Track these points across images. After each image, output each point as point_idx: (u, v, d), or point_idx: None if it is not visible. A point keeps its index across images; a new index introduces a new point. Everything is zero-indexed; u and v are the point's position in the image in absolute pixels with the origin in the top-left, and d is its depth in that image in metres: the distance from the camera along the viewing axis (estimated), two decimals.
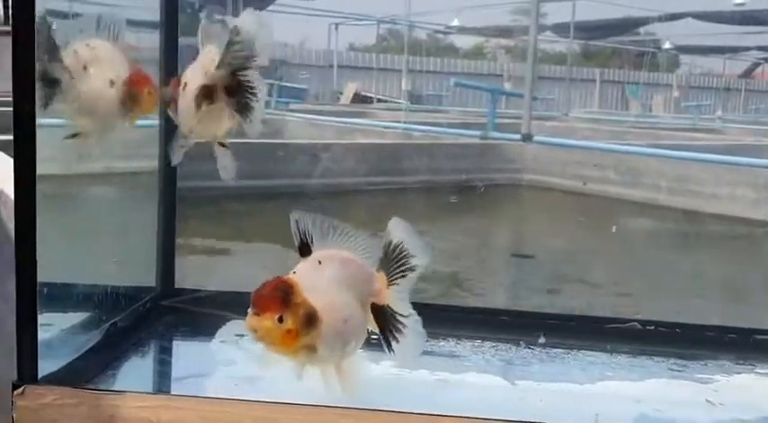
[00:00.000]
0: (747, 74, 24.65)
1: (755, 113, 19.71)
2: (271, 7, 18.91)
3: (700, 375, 1.01)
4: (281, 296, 0.70)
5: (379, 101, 17.89)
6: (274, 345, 0.71)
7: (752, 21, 14.54)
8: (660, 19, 16.43)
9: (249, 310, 0.70)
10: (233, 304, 1.19)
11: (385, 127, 7.67)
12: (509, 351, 1.08)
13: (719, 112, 15.72)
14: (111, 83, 0.87)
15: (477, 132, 6.62)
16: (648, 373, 1.01)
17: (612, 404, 0.92)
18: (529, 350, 1.09)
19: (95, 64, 0.88)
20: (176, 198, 1.16)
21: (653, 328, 1.12)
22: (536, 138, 5.79)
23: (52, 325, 0.94)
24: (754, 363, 1.05)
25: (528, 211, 5.62)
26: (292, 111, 11.14)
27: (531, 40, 6.20)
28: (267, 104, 8.73)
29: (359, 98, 18.52)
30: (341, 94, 18.98)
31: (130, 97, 0.89)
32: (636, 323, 1.13)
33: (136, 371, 0.96)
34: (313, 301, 0.71)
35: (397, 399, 0.92)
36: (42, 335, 0.80)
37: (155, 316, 1.12)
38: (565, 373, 1.01)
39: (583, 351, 1.08)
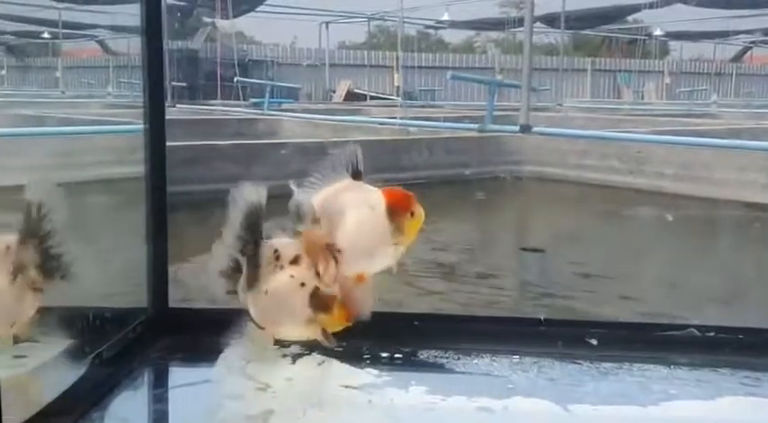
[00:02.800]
0: (738, 58, 24.60)
1: (748, 97, 19.62)
2: (260, 7, 18.79)
3: None
4: None
5: (372, 98, 17.76)
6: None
7: (739, 4, 14.45)
8: (650, 5, 16.32)
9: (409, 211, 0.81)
10: (231, 324, 1.07)
11: (381, 123, 7.53)
12: (553, 367, 0.95)
13: (715, 97, 15.61)
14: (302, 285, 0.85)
15: (475, 125, 6.49)
16: (718, 390, 0.88)
17: None
18: (577, 365, 0.96)
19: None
20: (167, 208, 1.02)
21: (713, 334, 0.99)
22: (535, 129, 5.67)
23: (25, 357, 0.81)
24: None
25: (531, 203, 5.49)
26: (285, 110, 11.01)
27: (526, 31, 6.07)
28: (260, 104, 8.68)
29: (352, 96, 18.38)
30: (334, 92, 18.83)
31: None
32: (693, 329, 1.00)
33: (127, 411, 0.83)
34: None
35: None
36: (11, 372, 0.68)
37: (147, 341, 0.98)
38: (622, 392, 0.88)
39: (637, 364, 0.95)
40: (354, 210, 0.81)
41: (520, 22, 20.23)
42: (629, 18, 21.47)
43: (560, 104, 13.88)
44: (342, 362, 0.96)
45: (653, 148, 5.16)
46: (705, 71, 22.85)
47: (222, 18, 15.83)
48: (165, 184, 1.02)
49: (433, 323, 1.06)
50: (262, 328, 0.87)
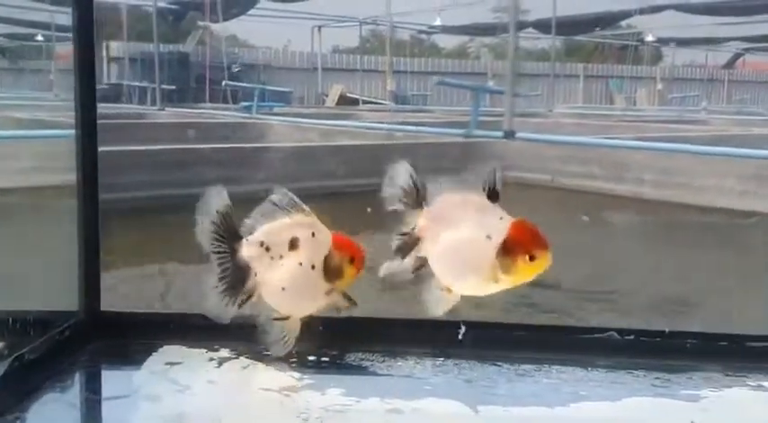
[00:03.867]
0: (730, 65, 24.74)
1: (740, 104, 19.73)
2: (254, 11, 18.82)
3: (685, 391, 0.90)
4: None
5: (365, 102, 17.80)
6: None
7: (730, 11, 14.56)
8: (642, 11, 16.41)
9: (529, 253, 0.75)
10: (165, 328, 1.08)
11: (368, 128, 7.56)
12: (473, 369, 0.97)
13: (705, 103, 15.70)
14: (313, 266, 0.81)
15: (461, 131, 6.53)
16: (628, 391, 0.90)
17: None
18: (496, 367, 0.98)
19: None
20: (99, 211, 1.04)
21: (632, 337, 1.01)
22: (519, 135, 5.71)
23: None
24: (746, 373, 0.94)
25: (513, 209, 5.50)
26: (275, 114, 11.03)
27: (510, 38, 6.12)
28: (249, 109, 8.69)
29: (344, 100, 18.42)
30: (326, 96, 18.87)
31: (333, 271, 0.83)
32: (614, 333, 1.02)
33: (45, 413, 0.84)
34: None
35: None
36: None
37: (76, 345, 1.00)
38: (534, 393, 0.90)
39: (556, 366, 0.97)
40: (470, 231, 0.77)
41: (515, 26, 20.29)
42: (623, 24, 21.60)
43: (551, 110, 13.94)
44: (266, 365, 0.98)
45: (634, 155, 5.19)
46: (697, 77, 22.99)
47: (212, 22, 15.86)
48: (98, 190, 1.04)
49: (363, 326, 1.08)
50: (287, 318, 0.86)
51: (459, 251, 0.78)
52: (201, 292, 0.81)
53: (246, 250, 0.79)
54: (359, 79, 19.08)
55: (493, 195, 0.78)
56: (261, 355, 1.01)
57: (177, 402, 0.86)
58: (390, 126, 7.16)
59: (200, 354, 1.01)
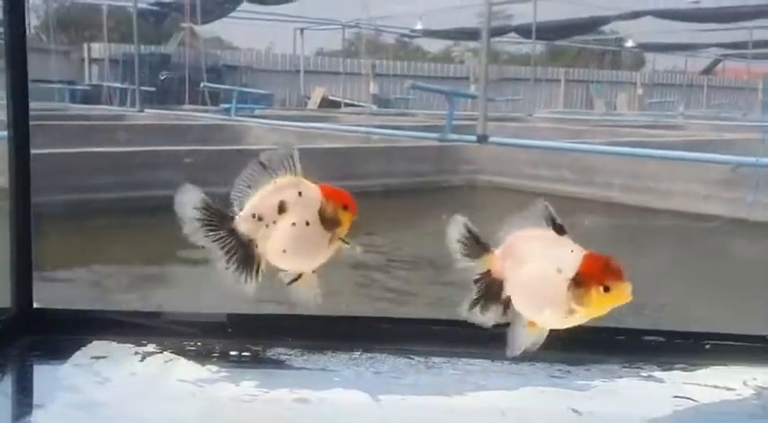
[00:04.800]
0: (709, 70, 25.07)
1: (717, 109, 20.01)
2: (238, 13, 18.81)
3: (580, 382, 0.95)
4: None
5: (347, 105, 17.84)
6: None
7: (709, 18, 14.78)
8: (622, 17, 16.60)
9: (602, 284, 0.75)
10: (97, 324, 1.12)
11: (345, 131, 7.60)
12: (385, 362, 1.02)
13: (681, 109, 15.92)
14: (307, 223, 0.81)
15: (436, 135, 6.60)
16: (525, 382, 0.95)
17: (473, 417, 0.86)
18: (408, 360, 1.03)
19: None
20: (31, 210, 1.08)
21: None
22: (491, 139, 5.79)
23: None
24: (642, 366, 1.00)
25: (478, 212, 5.59)
26: (256, 116, 11.03)
27: (483, 43, 6.19)
28: (229, 111, 8.65)
29: (327, 103, 18.45)
30: (308, 98, 18.89)
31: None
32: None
33: None
34: None
35: (249, 420, 0.86)
36: None
37: (7, 340, 1.04)
38: (437, 383, 0.95)
39: (465, 359, 1.02)
40: (539, 264, 0.78)
41: (496, 31, 20.48)
42: (606, 29, 21.84)
43: (530, 114, 14.07)
44: (188, 360, 1.02)
45: (605, 159, 5.28)
46: (677, 83, 23.28)
47: (191, 23, 15.82)
48: (30, 189, 1.07)
49: (287, 323, 1.12)
50: (300, 277, 0.85)
51: (533, 287, 0.79)
52: (217, 278, 0.82)
53: (241, 226, 0.81)
54: (341, 82, 19.13)
55: (558, 228, 0.79)
56: (184, 350, 1.06)
57: (95, 393, 0.90)
58: (367, 129, 7.21)
59: (126, 349, 1.05)
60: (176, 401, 0.89)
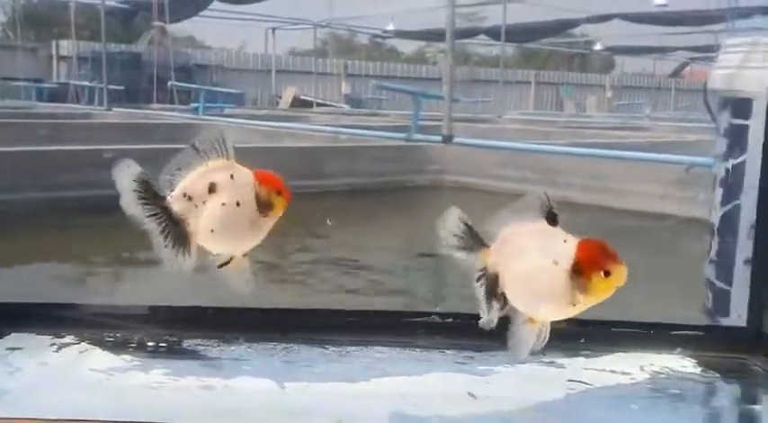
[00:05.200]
0: (676, 73, 25.55)
1: (685, 111, 20.41)
2: (208, 12, 18.69)
3: (483, 367, 0.98)
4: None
5: (319, 105, 17.83)
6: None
7: (676, 21, 15.06)
8: (590, 20, 16.85)
9: (603, 270, 0.73)
10: (18, 316, 1.13)
11: (312, 130, 7.60)
12: (300, 352, 1.04)
13: (648, 111, 16.21)
14: (237, 203, 0.81)
15: (402, 135, 6.63)
16: (430, 368, 0.98)
17: (373, 401, 0.89)
18: (322, 350, 1.05)
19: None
20: None
21: (451, 320, 1.09)
22: (456, 139, 5.84)
23: None
24: (547, 352, 1.03)
25: (437, 212, 5.64)
26: (225, 116, 10.98)
27: (448, 44, 6.25)
28: (196, 110, 8.61)
29: (299, 102, 18.42)
30: (280, 98, 18.84)
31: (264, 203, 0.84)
32: (435, 316, 1.10)
33: None
34: None
35: (153, 407, 0.87)
36: None
37: None
38: (345, 371, 0.97)
39: (377, 347, 1.05)
40: (534, 259, 0.76)
41: (467, 33, 20.62)
42: (577, 32, 22.14)
43: (500, 116, 14.20)
44: (104, 350, 1.03)
45: (567, 160, 5.36)
46: (645, 85, 23.70)
47: (161, 22, 15.68)
48: None
49: (207, 314, 1.14)
50: (229, 261, 0.85)
51: (529, 281, 0.77)
52: (156, 255, 0.83)
53: (174, 205, 0.81)
54: (314, 82, 19.11)
55: (551, 219, 0.77)
56: (102, 341, 1.07)
57: (3, 382, 0.91)
58: (333, 129, 7.22)
59: (44, 340, 1.05)
60: (83, 389, 0.90)
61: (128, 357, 1.00)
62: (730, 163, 1.18)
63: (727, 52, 1.19)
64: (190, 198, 0.82)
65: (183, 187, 0.82)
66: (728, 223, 1.18)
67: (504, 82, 16.94)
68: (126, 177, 0.81)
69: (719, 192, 1.18)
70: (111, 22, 16.47)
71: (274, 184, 0.84)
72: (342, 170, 5.86)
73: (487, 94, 18.48)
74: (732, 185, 1.17)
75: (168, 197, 0.81)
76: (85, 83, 16.04)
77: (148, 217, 0.81)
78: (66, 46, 18.09)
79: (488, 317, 0.83)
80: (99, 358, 1.00)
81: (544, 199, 0.78)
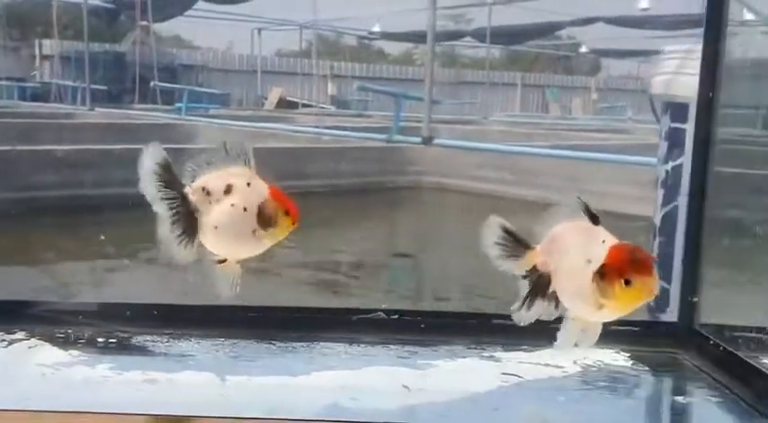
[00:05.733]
0: None
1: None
2: (194, 12, 18.64)
3: (423, 361, 1.01)
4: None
5: (305, 106, 17.83)
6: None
7: (658, 25, 15.22)
8: (574, 23, 16.98)
9: (624, 277, 0.72)
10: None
11: (295, 131, 7.62)
12: (247, 348, 1.06)
13: (630, 114, 16.38)
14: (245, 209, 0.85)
15: (383, 136, 6.68)
16: (371, 362, 1.01)
17: (311, 393, 0.92)
18: (269, 345, 1.07)
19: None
20: None
21: (397, 316, 1.13)
22: (436, 141, 5.89)
23: None
24: (485, 346, 1.07)
25: (416, 213, 5.69)
26: (210, 116, 10.96)
27: (428, 46, 6.30)
28: (179, 110, 8.61)
29: (284, 103, 18.41)
30: (265, 99, 18.82)
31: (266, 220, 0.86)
32: (381, 313, 1.13)
33: None
34: None
35: (96, 398, 0.89)
36: None
37: None
38: (288, 366, 1.00)
39: (324, 343, 1.08)
40: (574, 256, 0.77)
41: (454, 35, 20.72)
42: (563, 35, 22.30)
43: (485, 118, 14.29)
44: (53, 346, 1.05)
45: (545, 161, 5.42)
46: (630, 88, 23.88)
47: (144, 21, 15.63)
48: None
49: (159, 311, 1.16)
50: (224, 261, 0.88)
51: (569, 278, 0.78)
52: (159, 238, 0.85)
53: (191, 196, 0.84)
54: (299, 83, 19.10)
55: (593, 218, 0.77)
56: (53, 337, 1.09)
57: None
58: (316, 130, 7.24)
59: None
60: (26, 382, 0.92)
61: (76, 352, 1.02)
62: (670, 165, 1.22)
63: (667, 59, 1.23)
64: (208, 193, 0.85)
65: (203, 181, 0.85)
66: (668, 223, 1.22)
67: (491, 84, 17.04)
68: (149, 158, 0.83)
69: (661, 193, 1.22)
70: (95, 21, 16.40)
71: (284, 202, 0.87)
72: (324, 171, 5.88)
73: (474, 96, 18.57)
74: (671, 187, 1.21)
75: (188, 187, 0.84)
76: (69, 82, 15.95)
77: (163, 200, 0.84)
78: (50, 45, 17.97)
79: (527, 313, 0.84)
80: (47, 353, 1.02)
81: (581, 203, 0.79)
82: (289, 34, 22.37)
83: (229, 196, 0.84)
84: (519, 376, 0.97)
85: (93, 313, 1.16)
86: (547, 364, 1.01)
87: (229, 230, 0.85)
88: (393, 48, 31.34)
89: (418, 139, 5.95)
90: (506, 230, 0.83)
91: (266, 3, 20.76)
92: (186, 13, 16.91)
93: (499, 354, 1.05)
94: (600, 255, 0.74)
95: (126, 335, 1.10)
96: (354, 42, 26.13)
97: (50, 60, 17.72)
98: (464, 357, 1.04)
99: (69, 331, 1.11)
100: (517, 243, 0.82)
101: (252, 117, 11.60)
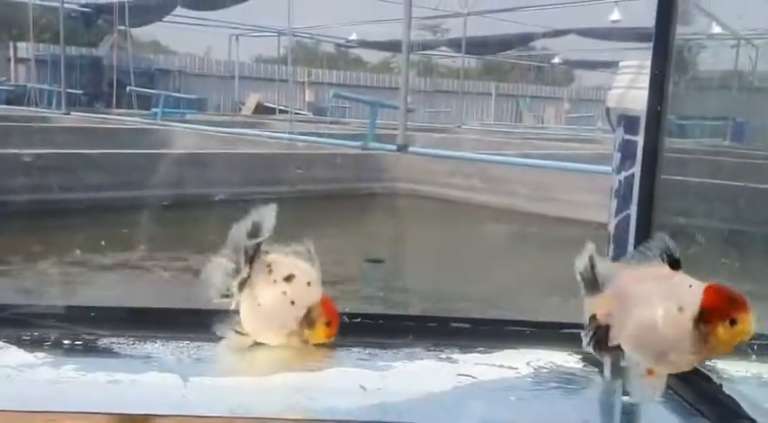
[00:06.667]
0: None
1: None
2: (172, 18, 18.52)
3: (382, 363, 1.05)
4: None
5: (282, 112, 17.82)
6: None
7: (628, 37, 15.51)
8: (546, 35, 17.24)
9: (729, 318, 0.70)
10: None
11: (270, 137, 7.63)
12: (209, 350, 1.08)
13: (600, 124, 16.67)
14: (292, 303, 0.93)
15: (358, 143, 6.72)
16: (333, 364, 1.04)
17: (270, 394, 0.94)
18: None
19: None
20: None
21: (359, 320, 1.16)
22: (411, 148, 5.95)
23: None
24: (443, 349, 1.11)
25: (391, 218, 5.74)
26: (186, 121, 10.92)
27: (403, 55, 6.37)
28: (155, 115, 8.61)
29: (262, 109, 18.37)
30: (243, 104, 18.77)
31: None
32: (344, 316, 1.16)
33: None
34: None
35: (55, 398, 0.91)
36: None
37: None
38: (251, 368, 1.03)
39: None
40: (658, 306, 0.73)
41: (428, 45, 20.88)
42: (536, 45, 22.61)
43: (459, 126, 14.43)
44: (20, 348, 1.07)
45: (513, 169, 5.51)
46: (602, 99, 24.26)
47: (121, 26, 15.51)
48: None
49: (126, 314, 1.18)
50: (244, 334, 0.96)
51: (653, 329, 0.73)
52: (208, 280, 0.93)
53: (257, 263, 0.92)
54: (277, 89, 19.09)
55: (674, 263, 0.74)
56: (20, 339, 1.10)
57: None
58: (291, 136, 7.26)
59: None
60: None
61: (41, 354, 1.04)
62: (622, 175, 1.27)
63: (621, 73, 1.29)
64: (270, 271, 0.94)
65: (273, 258, 0.94)
66: (621, 231, 1.27)
67: (465, 93, 17.20)
68: (241, 230, 0.92)
69: (614, 202, 1.27)
70: (72, 25, 16.23)
71: (329, 314, 0.95)
72: (298, 176, 5.90)
73: (449, 105, 18.73)
74: (624, 196, 1.27)
75: (262, 254, 0.93)
76: (45, 86, 15.75)
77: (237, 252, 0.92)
78: (25, 48, 17.73)
79: (607, 373, 0.84)
80: (13, 355, 1.03)
81: (667, 242, 0.75)
82: (267, 41, 22.37)
83: (286, 284, 0.91)
84: (474, 377, 1.00)
85: (60, 316, 1.17)
86: (501, 366, 1.05)
87: (267, 312, 0.92)
88: (371, 56, 31.49)
89: (393, 147, 6.00)
90: (591, 264, 0.81)
91: (244, 9, 20.73)
92: (164, 18, 16.81)
93: (456, 355, 1.09)
94: (694, 299, 0.71)
95: (92, 337, 1.12)
96: (332, 50, 26.20)
97: (26, 63, 17.48)
98: (422, 359, 1.08)
99: (35, 334, 1.13)
100: (593, 281, 0.79)
101: (229, 122, 11.57)
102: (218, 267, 0.95)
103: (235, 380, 0.98)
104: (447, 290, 3.15)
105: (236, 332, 0.97)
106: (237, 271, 0.94)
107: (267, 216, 0.93)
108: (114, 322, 1.16)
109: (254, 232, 0.92)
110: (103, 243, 4.02)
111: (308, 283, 0.93)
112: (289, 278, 0.92)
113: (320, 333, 0.95)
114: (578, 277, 0.82)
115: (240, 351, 0.96)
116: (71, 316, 1.17)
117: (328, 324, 0.94)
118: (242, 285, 0.95)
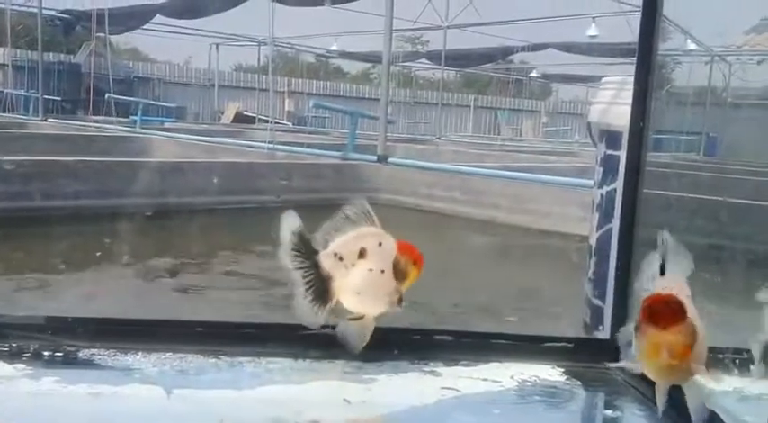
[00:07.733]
0: None
1: None
2: (153, 26, 18.41)
3: (367, 376, 1.04)
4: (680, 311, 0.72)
5: (261, 121, 17.77)
6: (675, 358, 0.72)
7: (605, 52, 15.77)
8: (525, 49, 17.45)
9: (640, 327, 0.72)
10: None
11: (249, 147, 7.60)
12: (193, 362, 1.07)
13: (577, 137, 16.89)
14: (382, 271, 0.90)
15: (338, 153, 6.72)
16: (316, 377, 1.04)
17: (254, 407, 0.94)
18: (215, 360, 1.09)
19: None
20: None
21: (331, 329, 1.15)
22: (390, 159, 5.96)
23: None
24: (427, 361, 1.11)
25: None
26: (165, 129, 10.83)
27: (383, 66, 6.40)
28: (134, 123, 8.52)
29: (241, 118, 18.30)
30: (222, 113, 18.68)
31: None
32: (329, 328, 1.16)
33: None
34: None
35: (35, 412, 0.90)
36: None
37: None
38: (233, 380, 1.02)
39: (269, 358, 1.10)
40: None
41: (409, 57, 21.00)
42: (515, 59, 22.87)
43: (438, 137, 14.51)
44: (1, 361, 1.05)
45: (493, 182, 5.55)
46: (579, 112, 24.62)
47: (100, 34, 15.38)
48: None
49: (106, 326, 1.17)
50: (361, 317, 0.93)
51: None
52: (293, 304, 0.90)
53: (324, 262, 0.88)
54: (257, 98, 19.05)
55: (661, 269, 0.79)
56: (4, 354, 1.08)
57: None
58: (270, 146, 7.24)
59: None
60: None
61: (21, 366, 1.02)
62: (604, 189, 1.29)
63: (603, 89, 1.31)
64: (341, 258, 0.89)
65: (336, 246, 0.89)
66: (603, 245, 1.29)
67: (445, 105, 17.32)
68: (287, 228, 0.89)
69: (596, 216, 1.29)
70: (50, 31, 16.06)
71: (413, 255, 0.92)
72: (277, 186, 5.88)
73: (429, 117, 18.84)
74: (606, 210, 1.29)
75: (321, 253, 0.89)
76: (22, 92, 15.55)
77: (298, 268, 0.89)
78: (2, 53, 17.49)
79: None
80: None
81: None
82: (247, 50, 22.33)
83: (365, 260, 0.88)
84: (458, 390, 1.01)
85: (40, 326, 1.15)
86: (485, 379, 1.06)
87: (371, 294, 0.90)
88: (351, 67, 31.59)
89: (374, 158, 6.01)
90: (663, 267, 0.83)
91: (225, 18, 20.70)
92: (144, 26, 16.70)
93: (441, 369, 1.09)
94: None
95: (72, 349, 1.10)
96: (313, 60, 26.23)
97: (2, 69, 17.24)
98: (406, 372, 1.08)
99: (14, 345, 1.11)
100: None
101: (207, 131, 11.51)
102: (302, 303, 0.91)
103: (219, 392, 0.98)
104: (423, 300, 3.16)
105: (355, 319, 0.94)
106: (317, 295, 0.90)
107: (291, 219, 0.90)
108: (95, 333, 1.15)
109: (299, 239, 0.89)
110: (81, 253, 3.96)
111: (380, 244, 0.89)
112: (362, 254, 0.89)
113: (413, 274, 0.92)
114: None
115: (366, 330, 0.94)
116: (51, 327, 1.16)
117: (415, 263, 0.91)
118: (321, 296, 0.91)
